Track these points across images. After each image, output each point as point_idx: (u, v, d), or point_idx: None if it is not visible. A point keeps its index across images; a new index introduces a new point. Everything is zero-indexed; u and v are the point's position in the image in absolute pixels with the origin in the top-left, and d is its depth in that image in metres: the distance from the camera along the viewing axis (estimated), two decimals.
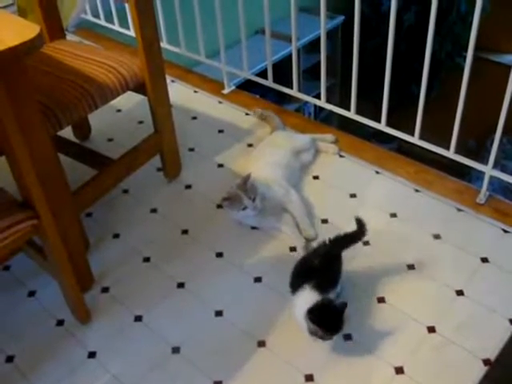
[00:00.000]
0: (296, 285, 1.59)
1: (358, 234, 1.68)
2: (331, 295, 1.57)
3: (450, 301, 1.71)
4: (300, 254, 1.87)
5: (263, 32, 2.59)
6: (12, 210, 1.44)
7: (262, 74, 2.78)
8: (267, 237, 1.97)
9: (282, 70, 3.08)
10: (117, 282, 1.86)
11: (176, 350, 1.64)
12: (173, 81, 2.86)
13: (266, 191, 1.97)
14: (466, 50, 1.89)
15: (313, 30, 4.15)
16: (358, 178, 2.19)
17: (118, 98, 1.88)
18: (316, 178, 2.21)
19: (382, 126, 2.27)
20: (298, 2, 2.30)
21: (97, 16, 3.18)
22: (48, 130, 1.62)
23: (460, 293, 1.73)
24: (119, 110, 2.67)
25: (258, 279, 1.82)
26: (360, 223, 1.69)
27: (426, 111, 2.11)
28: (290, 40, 2.47)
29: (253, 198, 1.89)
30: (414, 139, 2.17)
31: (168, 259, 1.92)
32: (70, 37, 2.79)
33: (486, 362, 1.54)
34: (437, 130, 2.68)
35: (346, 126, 2.67)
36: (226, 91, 2.77)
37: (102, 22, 3.17)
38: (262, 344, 1.64)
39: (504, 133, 1.92)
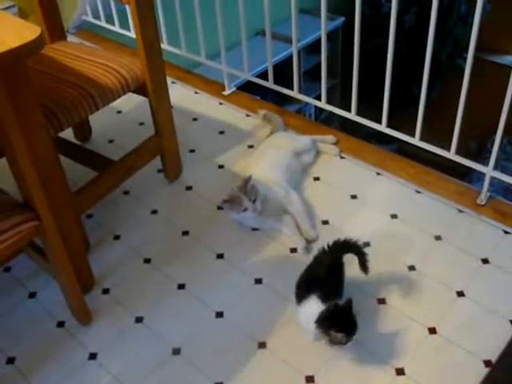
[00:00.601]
0: (302, 296, 1.56)
1: (358, 247, 1.66)
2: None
3: (450, 302, 1.71)
4: (301, 254, 1.88)
5: (264, 33, 2.59)
6: (13, 211, 1.45)
7: (263, 75, 2.78)
8: (268, 238, 1.97)
9: (282, 72, 3.08)
10: (117, 284, 1.86)
11: (177, 352, 1.64)
12: (173, 82, 2.86)
13: (267, 192, 1.97)
14: (466, 50, 1.89)
15: (313, 32, 4.16)
16: (359, 180, 2.19)
17: (119, 100, 1.88)
18: (317, 179, 2.21)
19: (382, 128, 2.26)
20: (298, 3, 2.30)
21: (97, 17, 3.19)
22: (49, 131, 1.62)
23: (461, 294, 1.73)
24: (120, 112, 2.67)
25: (258, 280, 1.82)
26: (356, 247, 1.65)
27: (427, 112, 2.11)
28: (290, 41, 2.47)
29: (253, 199, 1.89)
30: (415, 140, 2.17)
31: (168, 260, 1.92)
32: (70, 38, 2.79)
33: (487, 363, 1.54)
34: (437, 131, 2.68)
35: (346, 127, 2.67)
36: (226, 92, 2.77)
37: (103, 24, 3.17)
38: (262, 345, 1.64)
39: (505, 134, 1.92)
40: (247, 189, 1.89)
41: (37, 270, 1.82)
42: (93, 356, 1.65)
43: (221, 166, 2.31)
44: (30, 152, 1.39)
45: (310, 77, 4.54)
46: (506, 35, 4.72)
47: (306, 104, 4.48)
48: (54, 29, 2.13)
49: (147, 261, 1.93)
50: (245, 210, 1.90)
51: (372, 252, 1.88)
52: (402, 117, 3.18)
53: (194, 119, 2.61)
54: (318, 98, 2.51)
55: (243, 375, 1.57)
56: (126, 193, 2.21)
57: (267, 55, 2.57)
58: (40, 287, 1.86)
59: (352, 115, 2.35)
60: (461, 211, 2.01)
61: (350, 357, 1.58)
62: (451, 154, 2.08)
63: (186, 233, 2.02)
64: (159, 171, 2.26)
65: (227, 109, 2.67)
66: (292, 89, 2.56)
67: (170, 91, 2.04)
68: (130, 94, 1.93)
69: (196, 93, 2.80)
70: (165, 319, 1.73)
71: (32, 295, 1.84)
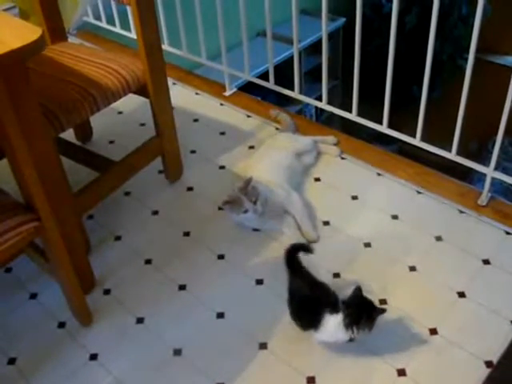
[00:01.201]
0: (314, 321, 1.54)
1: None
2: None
3: (451, 303, 1.71)
4: (302, 255, 1.87)
5: (265, 34, 2.59)
6: (14, 212, 1.45)
7: (264, 76, 2.78)
8: (269, 239, 1.97)
9: (283, 72, 3.08)
10: (118, 284, 1.86)
11: (177, 352, 1.64)
12: (174, 83, 2.86)
13: (268, 193, 1.96)
14: (467, 51, 1.89)
15: (314, 32, 4.16)
16: (360, 180, 2.19)
17: (120, 101, 1.88)
18: (317, 179, 2.21)
19: (383, 128, 2.26)
20: (299, 4, 2.30)
21: (98, 18, 3.19)
22: (50, 132, 1.62)
23: (462, 295, 1.73)
24: (121, 113, 2.67)
25: (259, 281, 1.82)
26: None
27: (428, 113, 2.11)
28: (291, 42, 2.47)
29: (254, 200, 1.89)
30: (416, 141, 2.17)
31: (169, 261, 1.92)
32: (71, 39, 2.79)
33: (489, 363, 1.54)
34: (438, 132, 2.68)
35: (347, 127, 2.67)
36: (227, 93, 2.77)
37: (104, 25, 3.17)
38: (263, 346, 1.64)
39: (506, 134, 1.92)
40: (248, 190, 1.89)
41: (38, 270, 1.82)
42: (94, 357, 1.65)
43: (222, 167, 2.31)
44: (30, 153, 1.39)
45: (311, 77, 4.54)
46: (507, 36, 4.72)
47: (307, 105, 4.48)
48: (55, 30, 2.13)
49: (148, 261, 1.93)
50: (246, 211, 1.90)
51: (373, 253, 1.88)
52: (402, 117, 3.17)
53: (195, 120, 2.61)
54: (319, 98, 2.51)
55: (244, 376, 1.57)
56: (127, 194, 2.21)
57: (268, 56, 2.57)
58: (41, 288, 1.86)
59: (353, 116, 2.35)
60: (462, 212, 2.01)
61: (351, 357, 1.58)
62: (452, 155, 2.08)
63: (186, 234, 2.02)
64: (160, 172, 2.26)
65: (228, 110, 2.67)
66: (293, 89, 2.56)
67: (171, 92, 2.04)
68: (131, 95, 1.93)
69: (197, 94, 2.81)
70: (166, 320, 1.73)
71: (33, 296, 1.84)
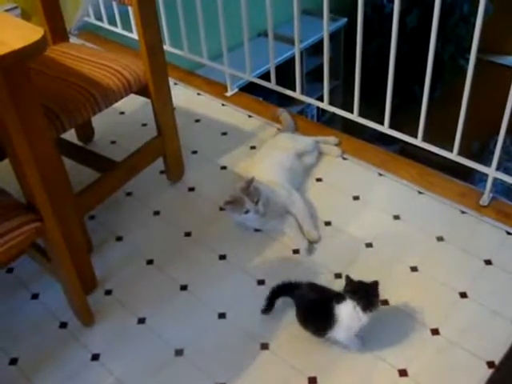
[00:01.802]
0: (329, 323, 1.55)
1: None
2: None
3: (453, 303, 1.71)
4: (303, 255, 1.88)
5: (266, 34, 2.59)
6: (15, 212, 1.45)
7: (265, 76, 2.78)
8: (270, 239, 1.97)
9: (284, 73, 3.09)
10: (120, 285, 1.86)
11: (179, 353, 1.64)
12: (176, 83, 2.86)
13: (269, 194, 1.96)
14: (468, 51, 1.89)
15: (316, 33, 4.16)
16: (361, 180, 2.19)
17: (121, 101, 1.88)
18: (319, 180, 2.21)
19: (384, 129, 2.26)
20: (300, 4, 2.30)
21: (100, 19, 3.19)
22: (51, 132, 1.62)
23: (463, 295, 1.73)
24: (122, 113, 2.67)
25: (261, 281, 1.82)
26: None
27: (429, 113, 2.11)
28: (292, 42, 2.47)
29: (256, 201, 1.89)
30: (417, 141, 2.16)
31: (171, 261, 1.92)
32: (73, 39, 2.80)
33: (491, 364, 1.54)
34: (440, 132, 2.67)
35: (348, 128, 2.67)
36: (228, 94, 2.77)
37: (105, 25, 3.17)
38: (265, 346, 1.64)
39: (507, 134, 1.92)
40: (250, 190, 1.89)
41: (39, 271, 1.82)
42: (95, 357, 1.65)
43: (223, 167, 2.31)
44: (32, 153, 1.39)
45: (313, 78, 4.53)
46: (509, 36, 4.72)
47: (309, 105, 4.47)
48: (57, 30, 2.13)
49: (150, 262, 1.93)
50: (247, 211, 1.90)
51: (374, 253, 1.88)
52: (404, 118, 3.17)
53: (197, 120, 2.61)
54: (321, 99, 2.51)
55: (245, 376, 1.57)
56: (129, 194, 2.21)
57: (269, 56, 2.57)
58: (42, 288, 1.86)
59: (354, 116, 2.34)
60: (463, 212, 2.01)
61: (353, 358, 1.58)
62: (454, 155, 2.08)
63: (188, 234, 2.02)
64: (162, 172, 2.26)
65: (229, 110, 2.67)
66: (294, 90, 2.56)
67: (173, 92, 2.04)
68: (133, 96, 1.93)
69: (198, 94, 2.81)
70: (167, 320, 1.74)
71: (35, 296, 1.84)
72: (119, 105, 1.99)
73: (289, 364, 1.58)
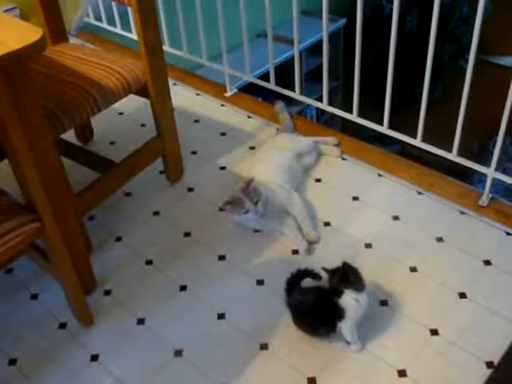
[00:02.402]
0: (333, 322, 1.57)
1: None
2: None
3: (452, 303, 1.71)
4: (303, 256, 1.88)
5: (265, 35, 2.59)
6: (15, 212, 1.45)
7: (264, 76, 2.78)
8: (270, 239, 1.97)
9: (284, 73, 3.09)
10: (119, 285, 1.86)
11: (178, 353, 1.64)
12: (175, 84, 2.86)
13: (269, 194, 1.97)
14: (468, 52, 1.89)
15: (315, 33, 4.17)
16: (361, 181, 2.19)
17: (121, 101, 1.88)
18: (318, 180, 2.21)
19: (384, 129, 2.26)
20: (299, 5, 2.30)
21: (99, 19, 3.19)
22: (51, 132, 1.62)
23: (463, 295, 1.73)
24: (122, 113, 2.67)
25: (260, 282, 1.82)
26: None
27: (429, 114, 2.11)
28: (292, 43, 2.47)
29: (255, 201, 1.89)
30: (417, 142, 2.16)
31: (170, 262, 1.92)
32: (72, 40, 2.80)
33: (490, 364, 1.54)
34: (439, 133, 2.67)
35: (348, 128, 2.67)
36: (228, 94, 2.77)
37: (105, 25, 3.17)
38: (264, 347, 1.64)
39: (506, 135, 1.92)
40: (249, 191, 1.89)
41: (39, 271, 1.82)
42: (94, 357, 1.65)
43: (222, 168, 2.31)
44: (31, 154, 1.39)
45: (312, 78, 4.54)
46: (508, 36, 4.72)
47: (308, 105, 4.47)
48: (56, 31, 2.13)
49: (149, 262, 1.93)
50: (246, 211, 1.90)
51: (374, 253, 1.88)
52: (403, 118, 3.18)
53: (196, 121, 2.61)
54: (320, 99, 2.51)
55: (245, 377, 1.57)
56: (128, 194, 2.21)
57: (269, 57, 2.57)
58: (42, 289, 1.86)
59: (353, 117, 2.34)
60: (463, 213, 2.01)
61: (352, 358, 1.58)
62: (453, 156, 2.08)
63: (187, 234, 2.02)
64: (161, 173, 2.26)
65: (229, 110, 2.67)
66: (293, 90, 2.56)
67: (172, 93, 2.04)
68: (132, 96, 1.93)
69: (197, 94, 2.81)
70: (166, 321, 1.73)
71: (34, 297, 1.84)
72: (118, 105, 1.99)
73: (288, 364, 1.58)
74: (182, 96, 2.77)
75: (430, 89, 2.06)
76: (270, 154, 2.19)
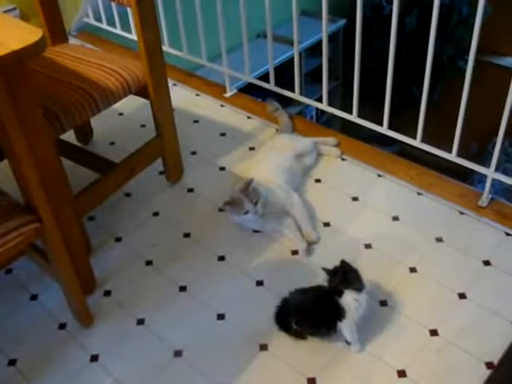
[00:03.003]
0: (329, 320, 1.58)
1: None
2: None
3: (452, 304, 1.71)
4: (302, 256, 1.88)
5: (265, 35, 2.60)
6: (14, 213, 1.45)
7: (264, 77, 2.78)
8: (269, 240, 1.97)
9: (283, 74, 3.09)
10: (119, 286, 1.86)
11: (178, 354, 1.64)
12: (175, 84, 2.86)
13: (268, 195, 1.97)
14: (467, 53, 1.89)
15: (314, 34, 4.16)
16: (360, 181, 2.19)
17: (120, 102, 1.88)
18: (318, 181, 2.21)
19: (383, 130, 2.26)
20: (299, 5, 2.31)
21: (99, 19, 3.19)
22: (50, 133, 1.62)
23: (462, 296, 1.73)
24: (121, 114, 2.67)
25: (259, 282, 1.82)
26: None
27: (428, 114, 2.11)
28: (291, 43, 2.47)
29: (255, 202, 1.89)
30: (416, 142, 2.17)
31: (170, 263, 1.92)
32: (72, 40, 2.80)
33: (489, 365, 1.54)
34: (439, 133, 2.68)
35: (347, 129, 2.67)
36: (227, 95, 2.77)
37: (104, 26, 3.17)
38: (264, 347, 1.64)
39: (506, 135, 1.92)
40: (249, 191, 1.89)
41: (38, 272, 1.82)
42: (94, 358, 1.65)
43: (222, 168, 2.31)
44: (31, 154, 1.39)
45: (312, 79, 4.54)
46: (507, 37, 4.72)
47: (307, 106, 4.48)
48: (56, 31, 2.13)
49: (149, 263, 1.93)
50: (246, 212, 1.90)
51: (373, 254, 1.88)
52: (403, 119, 3.18)
53: (196, 121, 2.61)
54: (320, 100, 2.51)
55: (245, 377, 1.57)
56: (128, 195, 2.21)
57: (268, 57, 2.57)
58: (42, 289, 1.86)
59: (353, 117, 2.35)
60: (462, 213, 2.01)
61: (352, 359, 1.58)
62: (453, 156, 2.08)
63: (187, 235, 2.02)
64: (161, 173, 2.26)
65: (228, 111, 2.67)
66: (293, 91, 2.56)
67: (172, 93, 2.04)
68: (132, 96, 1.93)
69: (197, 95, 2.81)
70: (166, 321, 1.73)
71: (34, 297, 1.84)
72: (118, 106, 1.99)
73: (288, 365, 1.58)
74: (181, 96, 2.77)
75: (430, 90, 2.07)
76: (270, 155, 2.19)
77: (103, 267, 1.91)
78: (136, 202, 2.18)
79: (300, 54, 2.60)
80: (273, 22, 2.45)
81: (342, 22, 4.75)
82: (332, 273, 1.59)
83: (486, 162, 2.12)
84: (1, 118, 1.30)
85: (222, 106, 2.71)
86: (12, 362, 1.66)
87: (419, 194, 2.11)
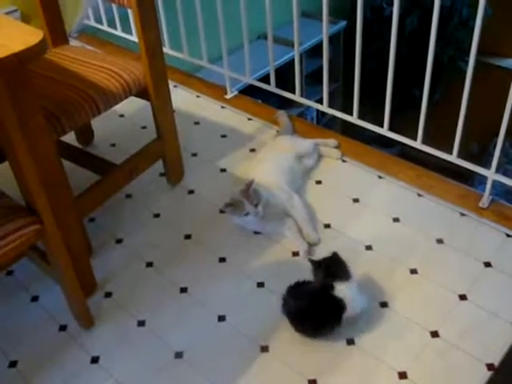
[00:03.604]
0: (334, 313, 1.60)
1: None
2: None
3: (453, 305, 1.71)
4: (303, 258, 1.87)
5: (265, 37, 2.60)
6: (15, 215, 1.45)
7: (265, 78, 2.78)
8: (270, 242, 1.97)
9: (284, 75, 3.08)
10: (120, 287, 1.86)
11: (179, 355, 1.64)
12: (175, 86, 2.86)
13: (269, 196, 1.97)
14: (468, 54, 1.89)
15: (315, 35, 4.16)
16: (361, 183, 2.19)
17: (121, 103, 1.88)
18: (319, 182, 2.21)
19: (384, 131, 2.27)
20: (300, 7, 2.31)
21: (100, 21, 3.19)
22: (51, 135, 1.62)
23: (463, 297, 1.73)
24: (122, 115, 2.68)
25: (260, 284, 1.82)
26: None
27: (429, 116, 2.12)
28: (292, 45, 2.48)
29: (255, 203, 1.89)
30: (417, 144, 2.17)
31: (171, 264, 1.92)
32: (72, 42, 2.80)
33: (490, 366, 1.54)
34: (439, 135, 2.68)
35: (348, 130, 2.67)
36: (228, 96, 2.77)
37: (105, 28, 3.18)
38: (264, 349, 1.63)
39: (507, 136, 1.92)
40: (249, 193, 1.89)
41: (39, 273, 1.81)
42: (95, 360, 1.65)
43: (223, 170, 2.31)
44: (32, 155, 1.39)
45: (312, 80, 4.53)
46: (508, 38, 4.72)
47: (308, 107, 4.48)
48: (57, 33, 2.13)
49: (149, 264, 1.93)
50: (247, 213, 1.90)
51: (374, 255, 1.88)
52: (403, 120, 3.18)
53: (196, 123, 2.61)
54: (320, 101, 2.51)
55: (245, 379, 1.57)
56: (129, 196, 2.21)
57: (269, 59, 2.57)
58: (42, 291, 1.86)
59: (354, 119, 2.35)
60: (463, 214, 2.01)
61: (353, 360, 1.58)
62: (453, 158, 2.08)
63: (188, 236, 2.02)
64: (161, 175, 2.27)
65: (229, 112, 2.67)
66: (294, 92, 2.56)
67: (172, 95, 2.04)
68: (133, 98, 1.93)
69: (198, 96, 2.81)
70: (167, 323, 1.73)
71: (34, 299, 1.84)
72: (119, 107, 1.99)
73: (289, 366, 1.58)
74: (182, 98, 2.77)
75: (430, 91, 2.07)
76: (271, 156, 2.19)
77: (104, 269, 1.91)
78: (137, 204, 2.18)
79: (300, 56, 2.60)
80: (273, 24, 2.45)
81: (342, 24, 4.74)
82: (317, 264, 1.64)
83: (486, 163, 2.12)
84: (2, 119, 1.30)
85: (222, 107, 2.71)
86: (13, 364, 1.66)
87: (420, 195, 2.11)
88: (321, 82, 2.44)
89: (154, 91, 1.94)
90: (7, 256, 1.41)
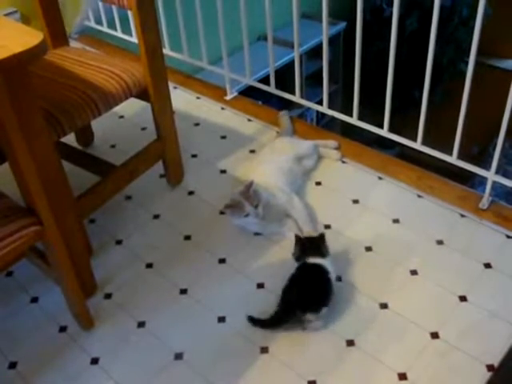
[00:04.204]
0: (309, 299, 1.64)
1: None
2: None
3: (453, 306, 1.71)
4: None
5: (265, 38, 2.59)
6: (15, 216, 1.45)
7: (265, 80, 2.78)
8: (270, 242, 1.97)
9: (284, 76, 3.09)
10: (120, 288, 1.86)
11: (179, 356, 1.64)
12: (175, 87, 2.86)
13: (269, 197, 1.97)
14: (468, 55, 1.89)
15: (315, 36, 4.17)
16: (361, 184, 2.19)
17: (121, 105, 1.88)
18: (318, 183, 2.21)
19: (384, 132, 2.27)
20: (300, 8, 2.31)
21: (100, 23, 3.20)
22: (51, 136, 1.62)
23: (463, 298, 1.73)
24: (122, 117, 2.68)
25: (260, 285, 1.82)
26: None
27: (429, 117, 2.11)
28: (292, 46, 2.48)
29: (255, 204, 1.89)
30: (417, 145, 2.17)
31: (171, 265, 1.92)
32: (72, 43, 2.80)
33: (490, 367, 1.54)
34: (439, 136, 2.68)
35: (348, 131, 2.67)
36: (228, 97, 2.77)
37: (105, 29, 3.18)
38: (264, 350, 1.63)
39: (506, 137, 1.92)
40: (249, 194, 1.89)
41: (39, 274, 1.81)
42: (95, 361, 1.65)
43: (223, 171, 2.31)
44: (32, 157, 1.40)
45: (312, 81, 4.54)
46: (507, 39, 4.73)
47: (308, 109, 4.48)
48: (57, 34, 2.13)
49: (149, 265, 1.93)
50: (247, 215, 1.90)
51: (374, 256, 1.88)
52: (403, 121, 3.18)
53: (196, 124, 2.61)
54: (320, 102, 2.51)
55: (245, 380, 1.57)
56: (128, 198, 2.21)
57: (269, 60, 2.58)
58: (42, 292, 1.86)
59: (353, 120, 2.35)
60: (463, 216, 2.01)
61: (352, 361, 1.58)
62: (453, 159, 2.08)
63: (188, 237, 2.02)
64: (161, 176, 2.27)
65: (229, 114, 2.67)
66: (294, 93, 2.56)
67: (172, 96, 2.05)
68: (133, 99, 1.93)
69: (198, 98, 2.81)
70: (167, 324, 1.73)
71: (34, 300, 1.84)
72: (119, 108, 1.99)
73: (288, 368, 1.58)
74: (182, 99, 2.77)
75: (430, 92, 2.07)
76: (271, 158, 2.19)
77: (104, 270, 1.91)
78: (137, 205, 2.18)
79: (300, 57, 2.60)
80: (273, 25, 2.45)
81: (342, 25, 4.75)
82: (296, 241, 1.75)
83: (486, 164, 2.12)
84: (2, 120, 1.30)
85: (222, 108, 2.71)
86: (12, 365, 1.66)
87: (420, 196, 2.11)
88: (321, 83, 2.44)
89: (154, 92, 1.94)
90: (7, 257, 1.41)
